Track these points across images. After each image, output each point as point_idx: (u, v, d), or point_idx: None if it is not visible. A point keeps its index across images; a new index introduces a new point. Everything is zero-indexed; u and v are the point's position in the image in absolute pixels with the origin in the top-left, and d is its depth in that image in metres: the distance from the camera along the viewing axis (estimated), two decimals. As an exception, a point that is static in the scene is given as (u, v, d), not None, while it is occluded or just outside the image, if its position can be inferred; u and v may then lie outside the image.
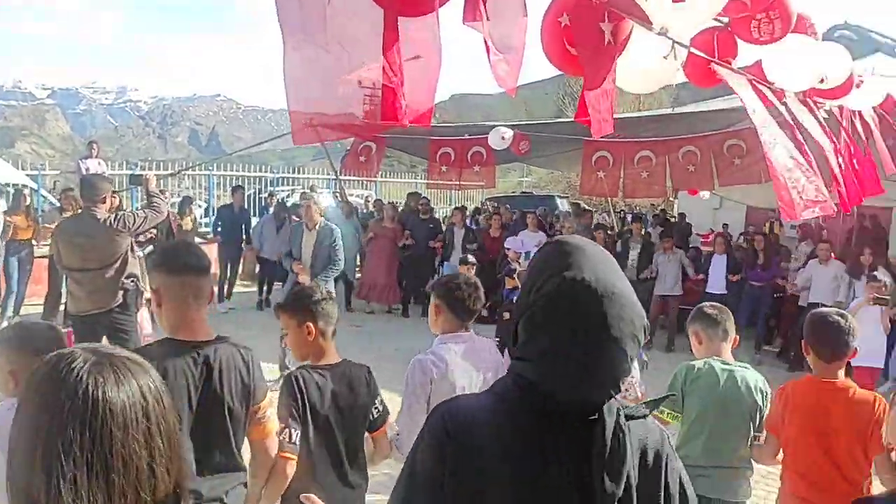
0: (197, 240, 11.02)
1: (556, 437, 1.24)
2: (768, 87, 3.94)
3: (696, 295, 8.77)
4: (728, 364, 3.15)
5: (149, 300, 3.02)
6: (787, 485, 3.01)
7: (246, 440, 2.36)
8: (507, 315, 6.35)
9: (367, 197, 17.26)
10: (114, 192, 5.68)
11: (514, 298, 5.08)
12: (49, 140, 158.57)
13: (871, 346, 5.78)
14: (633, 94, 19.78)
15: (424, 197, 13.35)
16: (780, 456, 3.04)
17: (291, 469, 2.40)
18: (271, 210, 11.92)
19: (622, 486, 1.21)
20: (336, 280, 7.22)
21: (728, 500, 3.11)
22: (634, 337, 1.25)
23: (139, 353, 1.12)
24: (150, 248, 7.75)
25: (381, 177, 19.36)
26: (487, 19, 2.66)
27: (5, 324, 8.14)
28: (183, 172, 15.11)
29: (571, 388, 1.23)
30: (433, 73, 2.72)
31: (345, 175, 14.46)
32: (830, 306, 6.55)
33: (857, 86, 4.72)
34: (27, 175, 11.86)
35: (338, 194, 14.09)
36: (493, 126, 9.66)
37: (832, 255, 8.63)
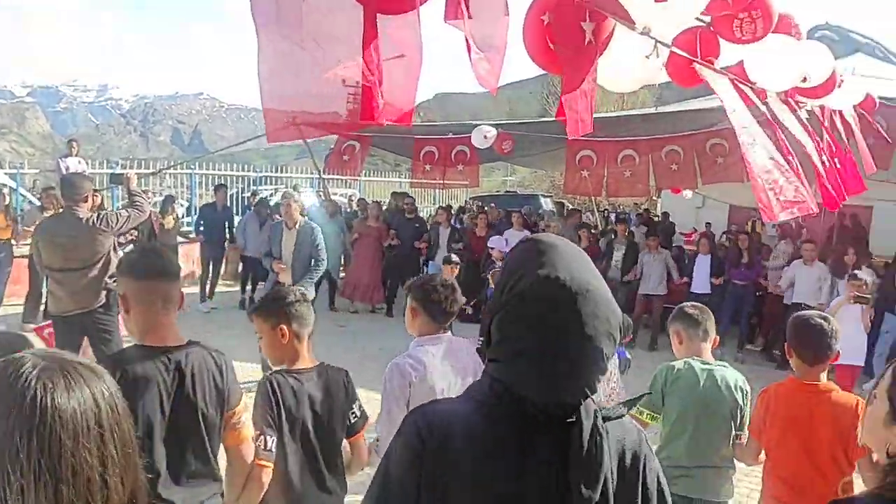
0: (179, 239, 10.94)
1: (534, 442, 1.21)
2: (750, 87, 3.94)
3: (680, 295, 8.80)
4: (708, 364, 3.16)
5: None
6: (769, 487, 3.01)
7: (221, 447, 2.32)
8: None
9: (350, 196, 17.18)
10: (95, 190, 5.59)
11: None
12: (29, 138, 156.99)
13: (851, 345, 5.80)
14: (616, 94, 19.88)
15: (410, 196, 13.29)
16: (762, 457, 3.05)
17: (267, 477, 2.35)
18: (253, 208, 11.84)
19: (598, 492, 1.19)
20: (320, 279, 7.11)
21: (711, 500, 3.12)
22: (610, 335, 1.23)
23: (108, 359, 1.08)
24: (131, 248, 7.66)
25: (365, 176, 19.30)
26: (469, 18, 2.63)
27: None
28: (165, 171, 14.99)
29: (546, 390, 1.20)
30: (414, 72, 2.68)
31: (328, 174, 14.38)
32: (814, 307, 6.61)
33: (839, 85, 4.75)
34: (6, 174, 11.75)
35: (321, 193, 14.01)
36: (477, 125, 9.64)
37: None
